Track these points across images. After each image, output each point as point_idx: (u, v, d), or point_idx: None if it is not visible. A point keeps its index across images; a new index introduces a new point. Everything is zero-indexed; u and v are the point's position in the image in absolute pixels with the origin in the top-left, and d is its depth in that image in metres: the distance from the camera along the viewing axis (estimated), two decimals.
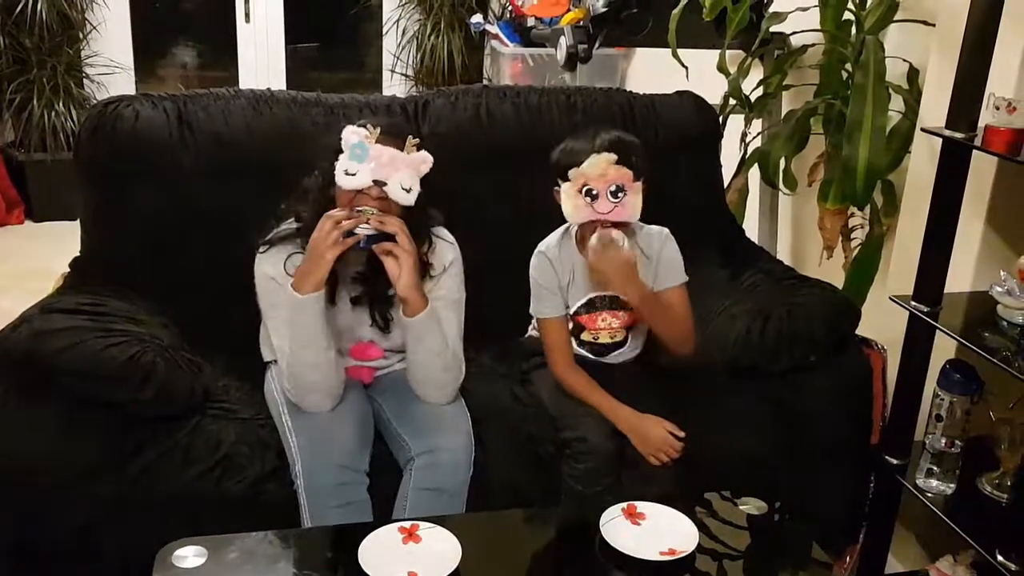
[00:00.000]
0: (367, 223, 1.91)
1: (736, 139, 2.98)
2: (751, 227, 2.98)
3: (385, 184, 1.94)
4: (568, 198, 2.09)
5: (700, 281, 2.50)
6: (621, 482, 2.06)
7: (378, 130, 1.94)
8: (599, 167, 2.05)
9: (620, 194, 2.06)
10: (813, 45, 2.77)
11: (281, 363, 2.02)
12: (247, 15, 5.36)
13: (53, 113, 4.71)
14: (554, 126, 2.58)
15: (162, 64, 5.73)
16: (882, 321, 2.46)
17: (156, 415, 1.95)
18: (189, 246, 2.36)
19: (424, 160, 2.00)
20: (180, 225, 2.35)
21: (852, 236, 2.69)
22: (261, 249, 2.05)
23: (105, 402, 1.90)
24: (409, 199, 1.97)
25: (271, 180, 2.25)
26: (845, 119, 2.53)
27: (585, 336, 2.26)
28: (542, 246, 2.25)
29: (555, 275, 2.21)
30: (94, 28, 4.99)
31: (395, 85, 5.59)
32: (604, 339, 2.26)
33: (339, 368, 2.03)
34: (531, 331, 2.36)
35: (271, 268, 2.03)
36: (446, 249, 2.14)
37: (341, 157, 1.94)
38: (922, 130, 2.13)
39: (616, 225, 2.08)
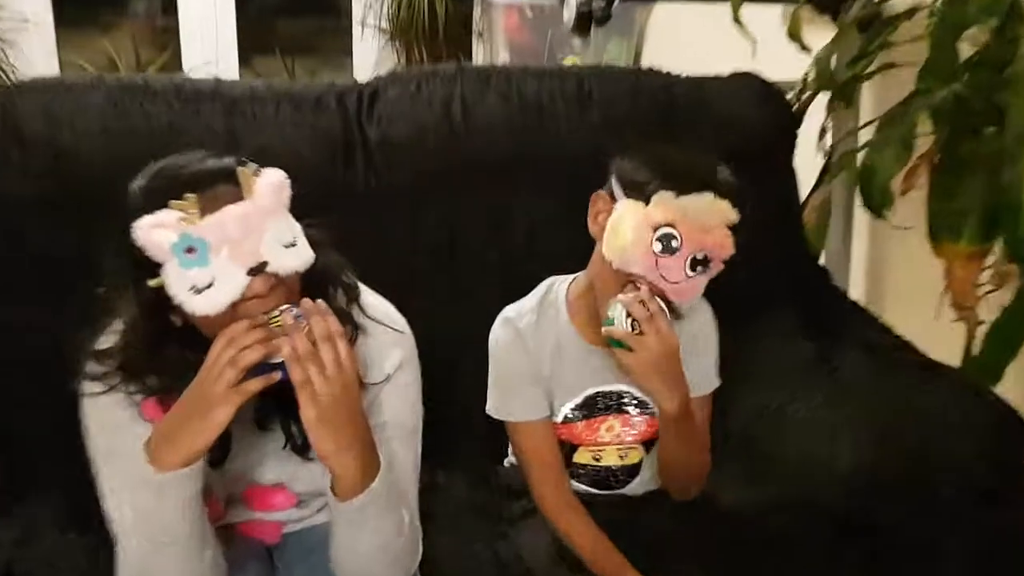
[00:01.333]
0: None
1: (810, 137, 2.15)
2: None
3: (266, 264, 1.14)
4: (630, 226, 1.33)
5: (772, 360, 1.73)
6: None
7: (193, 198, 1.11)
8: (711, 217, 1.31)
9: (700, 267, 1.33)
10: (916, 11, 1.95)
11: (123, 552, 1.24)
12: None
13: None
14: (560, 128, 1.78)
15: (90, 15, 4.85)
16: None
17: None
18: (14, 314, 1.59)
19: (279, 186, 1.18)
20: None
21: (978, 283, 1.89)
22: (88, 376, 1.24)
23: None
24: (304, 257, 1.18)
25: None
26: (967, 113, 1.76)
27: (580, 457, 1.51)
28: (511, 311, 1.51)
29: (528, 360, 1.47)
30: None
31: (367, 41, 4.74)
32: (610, 460, 1.52)
33: (220, 568, 1.25)
34: (511, 456, 1.59)
35: (106, 399, 1.24)
36: (389, 343, 1.34)
37: (167, 273, 1.13)
38: None
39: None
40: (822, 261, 2.15)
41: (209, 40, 4.45)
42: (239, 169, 1.15)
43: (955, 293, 1.80)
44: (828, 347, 1.72)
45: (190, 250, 1.09)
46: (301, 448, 1.30)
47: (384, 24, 4.72)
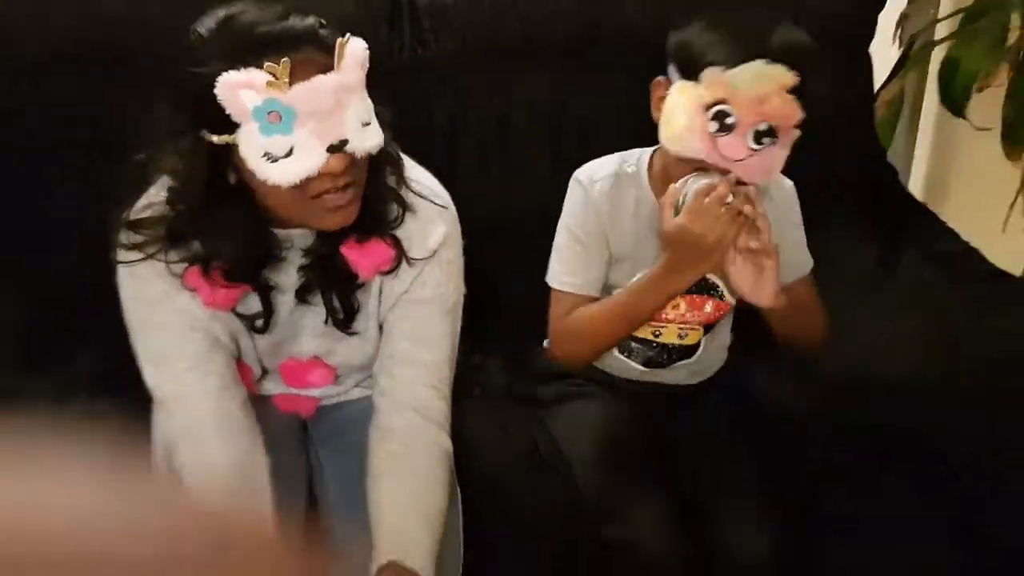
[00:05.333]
0: None
1: (887, 25, 2.02)
2: None
3: (346, 142, 1.08)
4: (683, 109, 1.26)
5: (834, 262, 1.64)
6: None
7: (286, 63, 1.03)
8: (763, 85, 1.21)
9: (767, 139, 1.23)
10: None
11: (162, 419, 1.22)
12: None
13: None
14: (626, 3, 1.66)
15: None
16: None
17: None
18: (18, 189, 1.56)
19: (364, 59, 1.10)
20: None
21: None
22: (122, 243, 1.18)
23: None
24: (378, 138, 1.12)
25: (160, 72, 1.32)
26: None
27: (640, 331, 1.44)
28: (583, 175, 1.43)
29: (600, 227, 1.40)
30: None
31: None
32: (670, 338, 1.45)
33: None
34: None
35: (143, 268, 1.18)
36: (433, 217, 1.27)
37: (243, 133, 1.05)
38: None
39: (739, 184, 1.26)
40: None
41: None
42: (339, 40, 1.07)
43: None
44: (894, 251, 1.63)
45: (274, 115, 1.02)
46: (341, 322, 1.27)
47: None
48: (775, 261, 1.28)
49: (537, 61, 1.65)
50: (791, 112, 1.22)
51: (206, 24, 1.08)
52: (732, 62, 1.21)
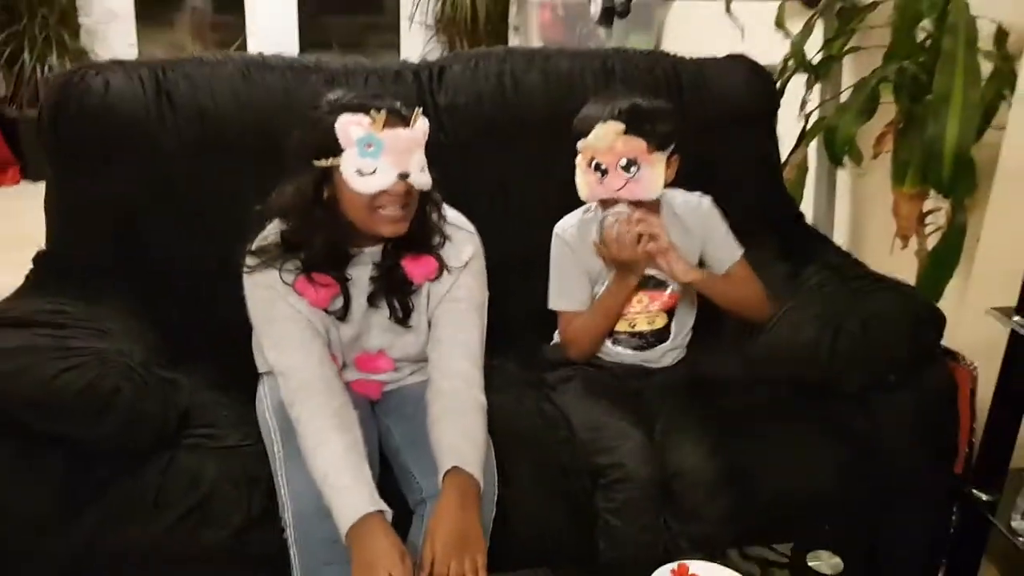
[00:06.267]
0: None
1: (792, 107, 2.62)
2: (804, 208, 2.62)
3: (408, 175, 1.64)
4: (580, 173, 1.86)
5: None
6: (665, 524, 1.76)
7: (383, 114, 1.62)
8: (606, 139, 1.80)
9: (632, 168, 1.80)
10: (882, 1, 2.41)
11: (283, 387, 1.72)
12: None
13: (46, 66, 4.42)
14: (588, 96, 2.20)
15: (165, 11, 5.37)
16: (964, 326, 2.13)
17: (120, 451, 1.65)
18: (169, 237, 2.07)
19: (426, 130, 1.69)
20: (159, 212, 2.05)
21: (927, 221, 2.35)
22: (248, 262, 1.73)
23: (59, 437, 1.61)
24: (428, 180, 1.69)
25: (265, 158, 1.86)
26: (920, 86, 2.21)
27: (620, 326, 1.97)
28: (559, 227, 2.00)
29: (575, 261, 1.96)
30: None
31: (414, 35, 5.23)
32: (641, 325, 1.98)
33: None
34: (557, 338, 2.06)
35: (264, 278, 1.72)
36: (464, 240, 1.83)
37: (345, 156, 1.62)
38: None
39: (637, 204, 1.83)
40: (809, 216, 2.61)
41: (273, 34, 4.95)
42: (416, 110, 1.67)
43: (900, 227, 2.26)
44: (800, 266, 2.18)
45: (369, 145, 1.60)
46: (401, 319, 1.80)
47: (429, 20, 5.20)
48: (673, 251, 1.81)
49: (525, 140, 2.21)
50: (632, 148, 1.80)
51: (333, 94, 1.69)
52: (590, 131, 1.82)
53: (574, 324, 1.98)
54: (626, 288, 1.91)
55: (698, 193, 1.98)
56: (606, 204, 1.86)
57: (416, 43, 5.20)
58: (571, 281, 1.98)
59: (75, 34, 4.60)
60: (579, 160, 1.85)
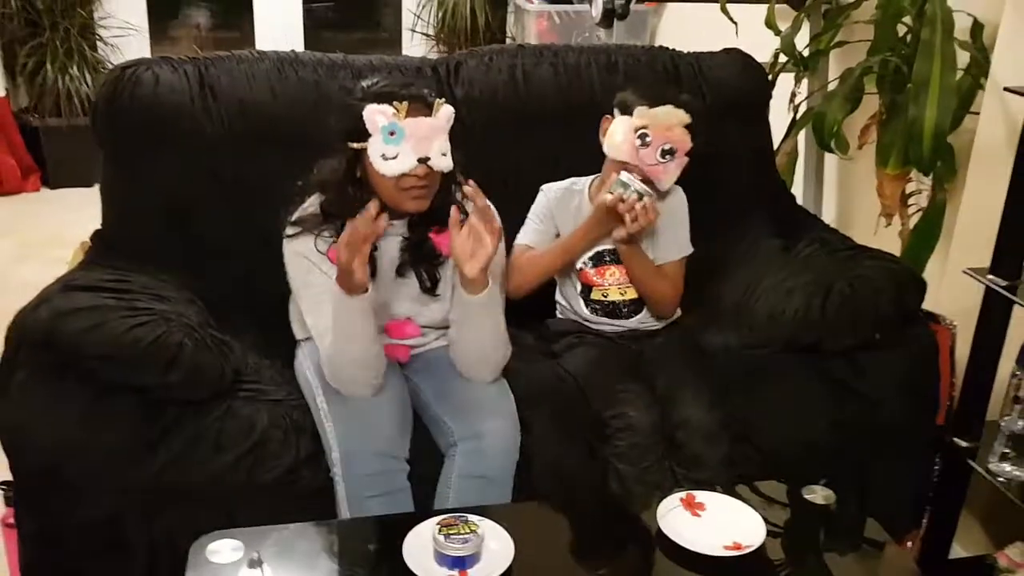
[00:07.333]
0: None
1: (783, 100, 2.82)
2: (795, 192, 2.82)
3: (429, 159, 1.82)
4: (621, 130, 2.04)
5: (751, 252, 2.39)
6: (668, 467, 1.94)
7: (405, 105, 1.80)
8: (670, 118, 2.00)
9: (668, 156, 2.01)
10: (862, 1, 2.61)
11: (320, 348, 1.90)
12: None
13: (67, 77, 4.58)
14: (594, 87, 2.43)
15: (175, 25, 5.57)
16: (944, 293, 2.33)
17: (184, 399, 1.83)
18: (214, 217, 2.23)
19: (449, 116, 1.88)
20: (204, 195, 2.22)
21: (910, 202, 2.54)
22: (288, 231, 1.93)
23: (131, 386, 1.78)
24: (449, 163, 1.87)
25: (298, 146, 2.09)
26: (901, 77, 2.41)
27: (595, 295, 2.18)
28: (547, 186, 2.23)
29: (550, 216, 2.18)
30: None
31: (415, 45, 5.42)
32: (614, 296, 2.18)
33: (382, 358, 1.90)
34: (559, 311, 2.26)
35: (302, 246, 1.91)
36: None
37: (372, 141, 1.81)
38: (1005, 89, 1.98)
39: (644, 182, 2.02)
40: (799, 200, 2.80)
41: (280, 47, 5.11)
42: (437, 100, 1.85)
43: (884, 207, 2.45)
44: (793, 241, 2.37)
45: (392, 133, 1.78)
46: (429, 289, 1.98)
47: (430, 31, 5.40)
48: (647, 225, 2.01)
49: (536, 127, 2.40)
50: (685, 141, 2.01)
51: (366, 81, 1.89)
52: (654, 105, 2.01)
53: (528, 254, 2.16)
54: (594, 233, 2.11)
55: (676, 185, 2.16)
56: (613, 168, 2.05)
57: (418, 52, 5.39)
58: (542, 227, 2.18)
59: (94, 46, 4.76)
60: (625, 119, 2.03)
